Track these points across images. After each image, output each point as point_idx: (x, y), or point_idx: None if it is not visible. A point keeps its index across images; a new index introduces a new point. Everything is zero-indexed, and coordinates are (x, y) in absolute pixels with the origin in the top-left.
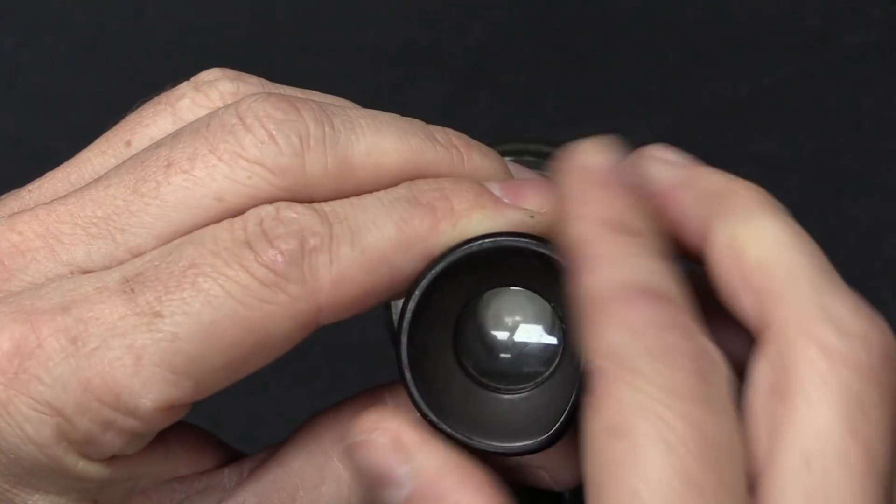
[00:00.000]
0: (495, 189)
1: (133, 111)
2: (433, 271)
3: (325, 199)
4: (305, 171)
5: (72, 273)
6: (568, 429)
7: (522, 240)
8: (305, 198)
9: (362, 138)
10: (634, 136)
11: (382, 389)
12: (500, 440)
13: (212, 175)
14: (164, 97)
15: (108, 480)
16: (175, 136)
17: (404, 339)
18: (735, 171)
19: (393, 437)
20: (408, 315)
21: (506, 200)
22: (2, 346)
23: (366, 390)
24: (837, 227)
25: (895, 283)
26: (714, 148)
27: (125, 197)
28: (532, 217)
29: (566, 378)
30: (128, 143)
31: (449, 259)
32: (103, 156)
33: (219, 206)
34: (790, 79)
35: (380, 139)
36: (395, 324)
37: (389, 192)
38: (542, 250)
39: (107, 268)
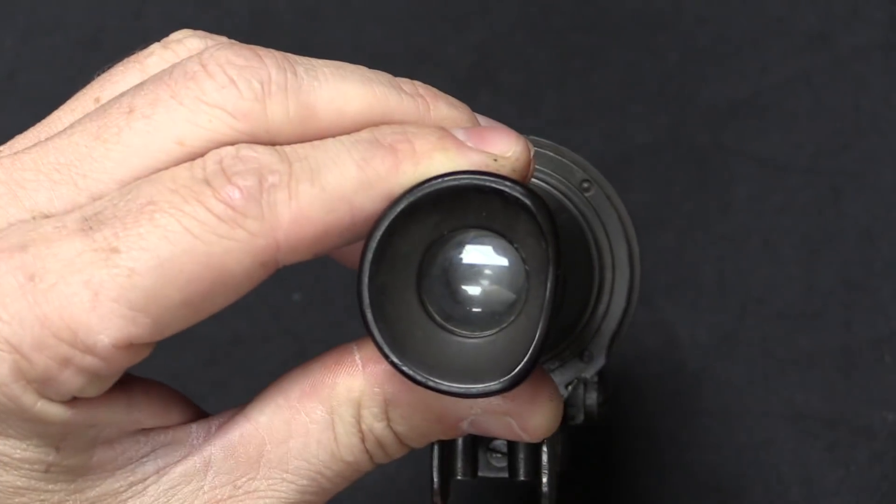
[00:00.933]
0: (459, 134)
1: (103, 71)
2: (394, 210)
3: (288, 142)
4: (267, 115)
5: (34, 217)
6: (531, 371)
7: (484, 177)
8: (268, 142)
9: (325, 85)
10: (635, 136)
11: (350, 344)
12: (462, 382)
13: (173, 119)
14: (133, 56)
15: (70, 425)
16: (139, 86)
17: (365, 279)
18: (735, 171)
19: None
20: (368, 255)
21: (469, 144)
22: None
23: (335, 347)
24: (837, 227)
25: (895, 284)
26: (714, 148)
27: (87, 143)
28: (495, 160)
29: (529, 321)
30: (97, 100)
31: (410, 198)
32: (73, 113)
33: (180, 149)
34: (790, 79)
35: (343, 86)
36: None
37: (352, 135)
38: (503, 188)
39: (68, 212)
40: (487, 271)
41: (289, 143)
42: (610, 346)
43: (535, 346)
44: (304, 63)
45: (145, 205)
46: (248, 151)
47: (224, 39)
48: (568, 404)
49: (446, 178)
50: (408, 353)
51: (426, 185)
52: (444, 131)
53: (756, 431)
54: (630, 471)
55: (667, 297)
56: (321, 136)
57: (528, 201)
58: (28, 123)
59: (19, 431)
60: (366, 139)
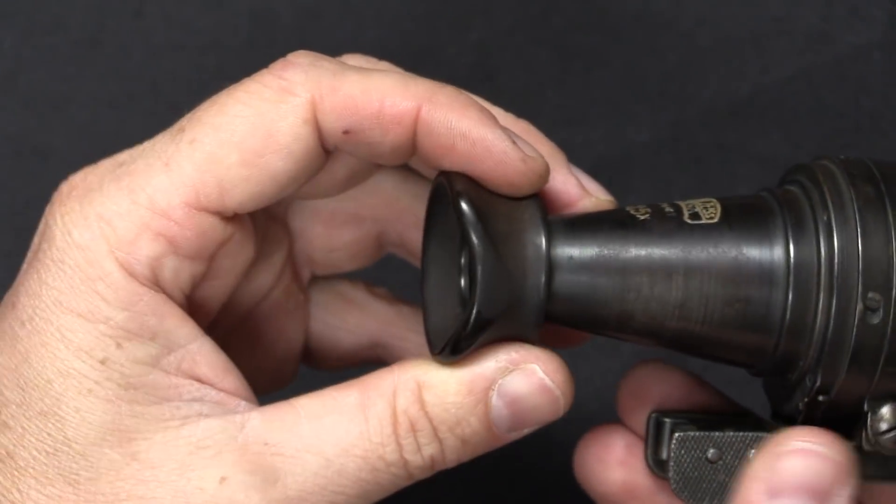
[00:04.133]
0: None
1: None
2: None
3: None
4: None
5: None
6: (456, 349)
7: (443, 178)
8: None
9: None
10: (635, 136)
11: None
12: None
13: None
14: None
15: (139, 319)
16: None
17: (426, 241)
18: (735, 171)
19: None
20: (426, 228)
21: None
22: (73, 179)
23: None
24: None
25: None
26: (714, 148)
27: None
28: (509, 147)
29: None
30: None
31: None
32: None
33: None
34: (790, 79)
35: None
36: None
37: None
38: (447, 186)
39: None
40: (465, 258)
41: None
42: (823, 371)
43: (458, 325)
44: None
45: (217, 95)
46: (304, 53)
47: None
48: (845, 427)
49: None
50: (434, 319)
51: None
52: (490, 113)
53: None
54: None
55: None
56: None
57: (455, 202)
58: (28, 123)
59: (91, 310)
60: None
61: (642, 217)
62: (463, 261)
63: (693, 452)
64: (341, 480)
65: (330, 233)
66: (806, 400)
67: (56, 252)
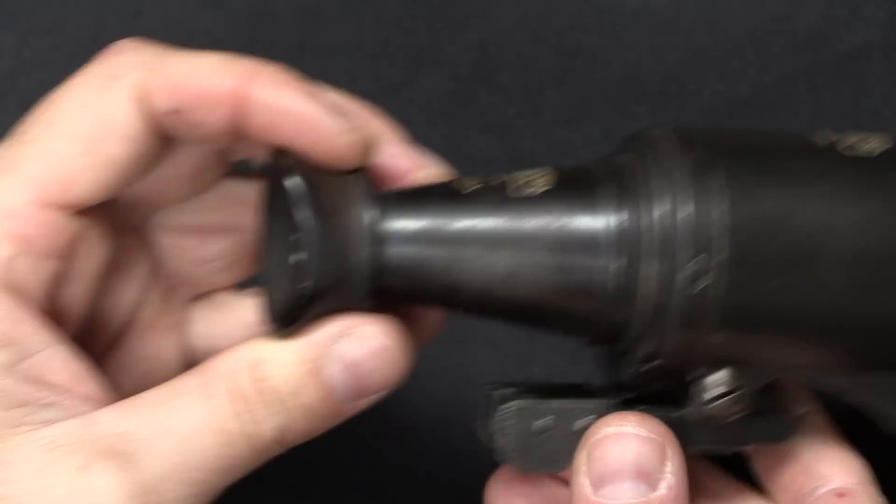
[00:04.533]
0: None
1: None
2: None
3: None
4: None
5: None
6: (287, 320)
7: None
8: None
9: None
10: None
11: None
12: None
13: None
14: None
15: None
16: None
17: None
18: None
19: None
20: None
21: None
22: None
23: None
24: None
25: None
26: None
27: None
28: (328, 118)
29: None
30: None
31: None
32: None
33: None
34: (790, 79)
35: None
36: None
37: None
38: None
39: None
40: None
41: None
42: (657, 338)
43: (288, 299)
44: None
45: (52, 95)
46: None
47: None
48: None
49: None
50: (271, 293)
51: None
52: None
53: None
54: None
55: None
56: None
57: (278, 172)
58: None
59: None
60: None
61: (471, 188)
62: (294, 237)
63: (522, 422)
64: (198, 457)
65: (199, 245)
66: (640, 367)
67: None
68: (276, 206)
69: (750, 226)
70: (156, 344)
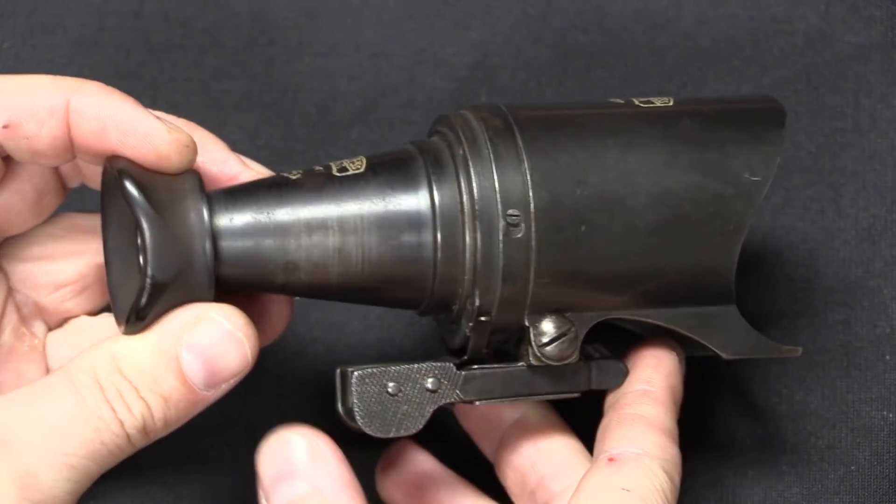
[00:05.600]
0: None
1: None
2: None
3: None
4: None
5: None
6: (138, 314)
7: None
8: None
9: None
10: None
11: None
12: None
13: None
14: None
15: None
16: None
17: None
18: None
19: None
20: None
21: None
22: None
23: None
24: (837, 227)
25: (895, 284)
26: None
27: None
28: (164, 124)
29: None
30: None
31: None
32: None
33: None
34: (790, 79)
35: None
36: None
37: None
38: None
39: None
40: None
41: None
42: (480, 291)
43: (136, 296)
44: None
45: None
46: None
47: None
48: (510, 348)
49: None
50: (121, 297)
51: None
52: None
53: (756, 430)
54: None
55: None
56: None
57: (125, 185)
58: None
59: None
60: None
61: (294, 177)
62: (139, 240)
63: (374, 387)
64: (70, 443)
65: (51, 270)
66: (471, 324)
67: None
68: (115, 212)
69: (551, 180)
70: (17, 368)
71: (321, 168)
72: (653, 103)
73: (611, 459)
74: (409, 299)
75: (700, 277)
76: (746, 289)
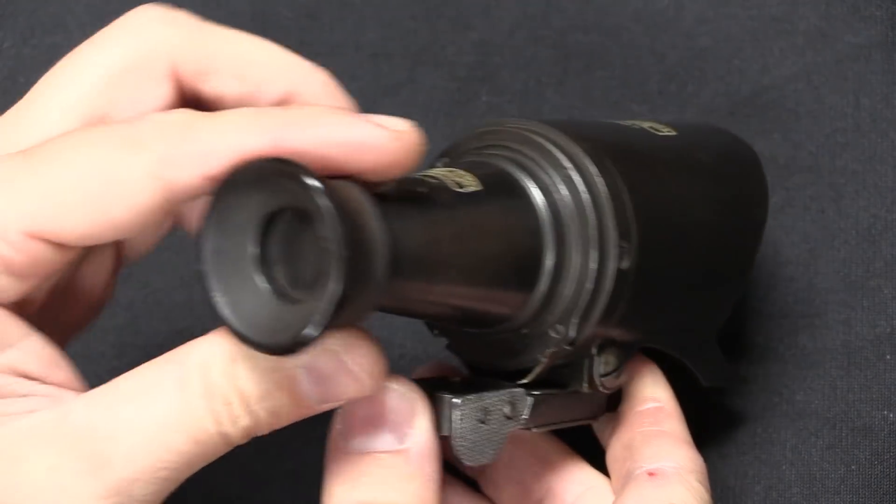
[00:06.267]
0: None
1: None
2: (220, 186)
3: (184, 65)
4: (166, 36)
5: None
6: (314, 337)
7: (284, 163)
8: (166, 61)
9: (222, 29)
10: None
11: None
12: (251, 332)
13: (89, 51)
14: None
15: None
16: None
17: (203, 241)
18: None
19: None
20: (206, 220)
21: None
22: None
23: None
24: (837, 227)
25: (895, 283)
26: None
27: (34, 95)
28: (380, 129)
29: (319, 298)
30: None
31: (228, 178)
32: None
33: (98, 72)
34: (790, 78)
35: (238, 33)
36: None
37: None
38: (296, 172)
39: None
40: (302, 244)
41: (186, 65)
42: (580, 326)
43: (318, 316)
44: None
45: (72, 137)
46: (173, 111)
47: None
48: (561, 378)
49: (257, 160)
50: (226, 295)
51: (244, 164)
52: (353, 107)
53: (757, 430)
54: None
55: None
56: (215, 67)
57: (307, 185)
58: None
59: None
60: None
61: (424, 191)
62: (273, 249)
63: (468, 415)
64: (168, 456)
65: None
66: (550, 350)
67: None
68: (240, 216)
69: (648, 212)
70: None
71: (439, 181)
72: (661, 132)
73: (651, 474)
74: (498, 317)
75: (713, 315)
76: (747, 289)
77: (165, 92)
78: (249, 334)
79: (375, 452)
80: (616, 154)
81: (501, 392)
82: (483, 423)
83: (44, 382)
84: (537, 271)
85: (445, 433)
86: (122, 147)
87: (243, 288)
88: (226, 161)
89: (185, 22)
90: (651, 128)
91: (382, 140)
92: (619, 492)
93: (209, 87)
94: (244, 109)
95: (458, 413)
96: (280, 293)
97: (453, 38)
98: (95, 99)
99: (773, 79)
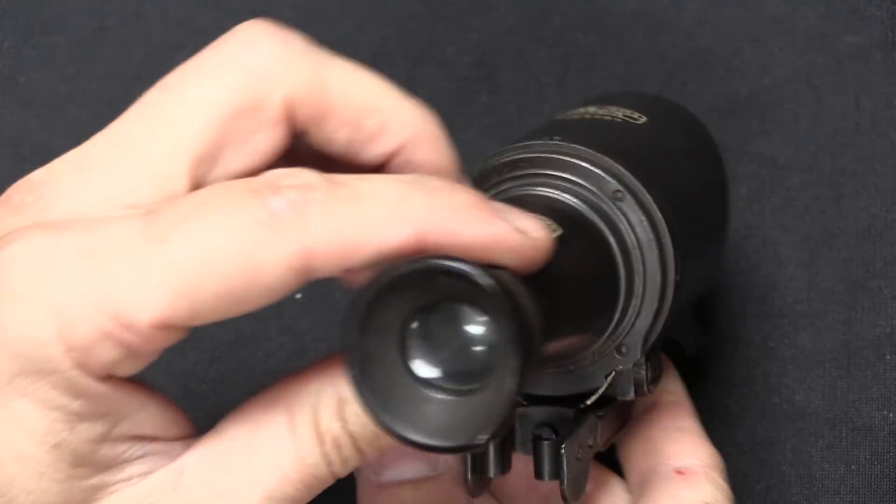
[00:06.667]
0: (494, 205)
1: None
2: (376, 285)
3: (300, 107)
4: (282, 75)
5: (104, 203)
6: (497, 434)
7: (458, 265)
8: (281, 102)
9: (339, 66)
10: None
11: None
12: (435, 438)
13: (200, 85)
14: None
15: (94, 401)
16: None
17: (352, 344)
18: (735, 170)
19: None
20: (354, 323)
21: (500, 215)
22: (28, 248)
23: (312, 365)
24: (837, 227)
25: (895, 283)
26: None
27: (136, 127)
28: (519, 233)
29: (500, 386)
30: None
31: (388, 278)
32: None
33: (209, 111)
34: (790, 78)
35: (355, 72)
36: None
37: (397, 175)
38: (474, 277)
39: (133, 198)
40: (459, 337)
41: (301, 108)
42: (644, 343)
43: (499, 413)
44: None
45: (199, 204)
46: (298, 172)
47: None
48: (609, 391)
49: (422, 262)
50: (391, 409)
51: (402, 268)
52: (480, 195)
53: (757, 430)
54: None
55: None
56: (331, 112)
57: (494, 291)
58: (28, 123)
59: (45, 398)
60: (408, 179)
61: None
62: (413, 345)
63: (573, 455)
64: None
65: None
66: (615, 371)
67: (7, 337)
68: (393, 309)
69: (678, 215)
70: None
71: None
72: (638, 120)
73: (679, 472)
74: (578, 351)
75: (703, 292)
76: (747, 289)
77: (279, 136)
78: (419, 439)
79: (410, 481)
80: (645, 163)
81: (586, 423)
82: (579, 459)
83: (158, 442)
84: (616, 303)
85: (552, 478)
86: (260, 229)
87: (393, 387)
88: (368, 259)
89: (300, 52)
90: (627, 117)
91: (521, 243)
92: (640, 489)
93: (321, 131)
94: (384, 191)
95: (566, 456)
96: (422, 388)
97: (453, 38)
98: (205, 142)
99: (773, 79)
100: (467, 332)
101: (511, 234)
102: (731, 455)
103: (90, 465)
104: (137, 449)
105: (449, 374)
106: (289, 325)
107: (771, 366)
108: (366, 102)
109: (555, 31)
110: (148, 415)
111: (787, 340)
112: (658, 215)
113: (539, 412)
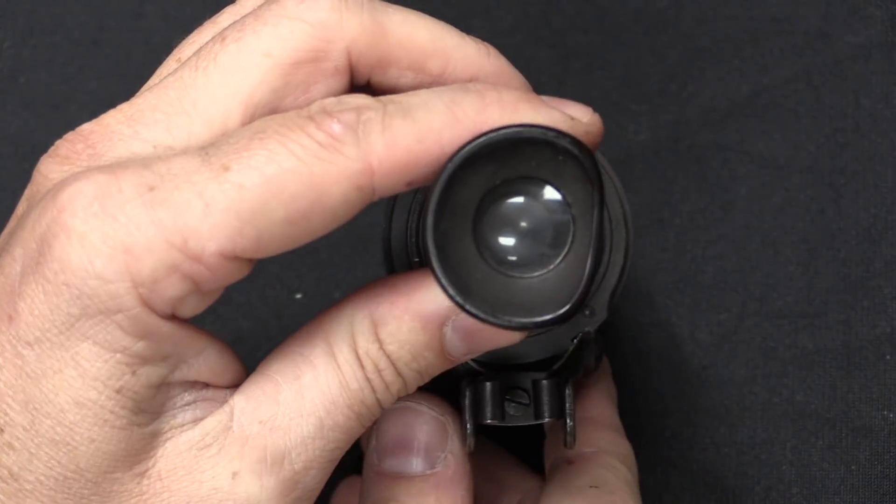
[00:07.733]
0: (543, 98)
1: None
2: (456, 159)
3: (361, 56)
4: (342, 25)
5: (155, 148)
6: (583, 302)
7: (538, 129)
8: (343, 52)
9: (396, 12)
10: (635, 136)
11: (384, 289)
12: (520, 316)
13: (259, 36)
14: (206, 21)
15: (155, 346)
16: (229, 24)
17: (430, 226)
18: (735, 170)
19: None
20: (433, 203)
21: (550, 104)
22: (87, 188)
23: (345, 297)
24: (837, 227)
25: (895, 283)
26: (714, 148)
27: (190, 75)
28: (572, 119)
29: (578, 259)
30: (178, 60)
31: (470, 148)
32: (159, 77)
33: (268, 61)
34: (790, 79)
35: (412, 16)
36: (419, 216)
37: (443, 87)
38: (554, 139)
39: (187, 141)
40: (535, 215)
41: (361, 54)
42: (610, 301)
43: (586, 280)
44: None
45: (256, 133)
46: (348, 97)
47: None
48: (572, 359)
49: (502, 130)
50: (470, 294)
51: (484, 136)
52: (528, 89)
53: (757, 430)
54: None
55: (667, 297)
56: (391, 55)
57: (576, 150)
58: (28, 123)
59: (108, 340)
60: (456, 87)
61: None
62: (485, 225)
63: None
64: (336, 435)
65: None
66: (581, 333)
67: (71, 277)
68: (468, 188)
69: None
70: None
71: None
72: None
73: (569, 462)
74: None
75: None
76: (747, 289)
77: (338, 86)
78: (501, 317)
79: (406, 476)
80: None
81: (561, 383)
82: None
83: (211, 387)
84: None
85: (554, 416)
86: (321, 150)
87: (470, 270)
88: (430, 168)
89: (358, 2)
90: None
91: (573, 127)
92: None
93: (385, 78)
94: (435, 100)
95: (569, 393)
96: (499, 270)
97: None
98: (263, 92)
99: (772, 79)
100: (546, 205)
101: (564, 119)
102: (731, 455)
103: (149, 410)
104: (189, 395)
105: (523, 256)
106: (289, 325)
107: (771, 366)
108: (427, 45)
109: (555, 31)
110: (206, 360)
111: (787, 340)
112: (613, 172)
113: (511, 377)
